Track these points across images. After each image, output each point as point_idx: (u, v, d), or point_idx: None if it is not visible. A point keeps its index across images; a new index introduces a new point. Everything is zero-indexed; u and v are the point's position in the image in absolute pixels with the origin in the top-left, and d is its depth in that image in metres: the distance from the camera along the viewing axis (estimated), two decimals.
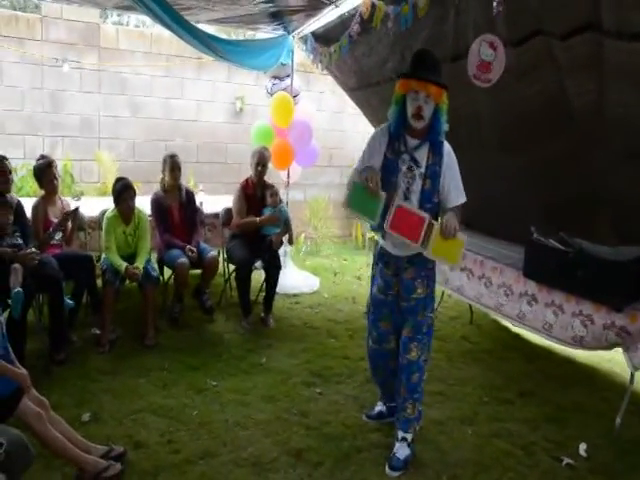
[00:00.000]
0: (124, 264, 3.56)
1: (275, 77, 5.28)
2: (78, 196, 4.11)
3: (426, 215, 2.32)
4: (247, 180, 4.25)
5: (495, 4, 2.48)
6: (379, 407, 2.88)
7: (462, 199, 2.46)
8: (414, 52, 2.47)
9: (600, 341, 2.83)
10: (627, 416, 2.83)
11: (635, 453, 2.68)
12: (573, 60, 2.43)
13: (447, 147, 2.44)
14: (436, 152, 2.40)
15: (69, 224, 3.68)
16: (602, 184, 2.87)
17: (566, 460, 2.58)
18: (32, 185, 4.85)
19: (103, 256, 3.76)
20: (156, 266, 4.02)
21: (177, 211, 4.09)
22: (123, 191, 3.63)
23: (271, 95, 5.24)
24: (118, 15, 9.74)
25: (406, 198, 2.39)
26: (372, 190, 2.28)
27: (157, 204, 4.05)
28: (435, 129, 2.40)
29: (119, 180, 3.73)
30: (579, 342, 2.92)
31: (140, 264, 3.62)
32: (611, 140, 2.61)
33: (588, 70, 2.40)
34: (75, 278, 3.57)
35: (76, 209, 3.66)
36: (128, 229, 3.72)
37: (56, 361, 3.22)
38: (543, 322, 3.13)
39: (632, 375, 2.80)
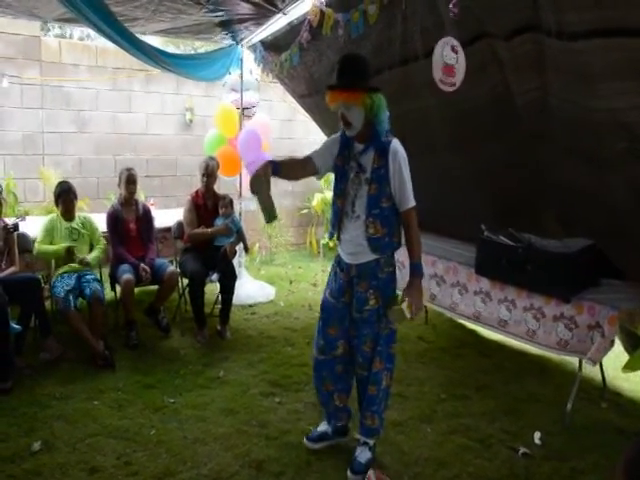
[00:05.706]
0: (63, 245, 3.67)
1: (233, 90, 5.25)
2: (22, 216, 3.98)
3: None
4: (197, 191, 4.26)
5: (451, 6, 2.43)
6: (322, 427, 2.70)
7: (410, 204, 2.36)
8: None
9: (550, 334, 2.92)
10: (577, 402, 2.95)
11: (586, 437, 2.78)
12: (516, 60, 2.47)
13: (393, 148, 2.33)
14: (382, 155, 2.33)
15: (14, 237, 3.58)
16: (546, 180, 2.95)
17: (522, 450, 2.65)
18: None
19: (53, 279, 3.65)
20: (107, 283, 3.90)
21: (133, 224, 4.06)
22: (62, 194, 3.80)
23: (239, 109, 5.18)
24: (60, 28, 9.48)
25: (353, 205, 2.39)
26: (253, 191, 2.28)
27: (113, 217, 4.00)
28: (377, 132, 2.34)
29: (59, 184, 3.90)
30: (532, 337, 3.02)
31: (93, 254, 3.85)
32: (553, 136, 2.66)
33: (531, 69, 2.44)
34: (21, 301, 3.40)
35: (16, 223, 3.58)
36: (72, 224, 3.81)
37: (1, 390, 3.06)
38: (498, 319, 3.22)
39: (580, 363, 2.92)
